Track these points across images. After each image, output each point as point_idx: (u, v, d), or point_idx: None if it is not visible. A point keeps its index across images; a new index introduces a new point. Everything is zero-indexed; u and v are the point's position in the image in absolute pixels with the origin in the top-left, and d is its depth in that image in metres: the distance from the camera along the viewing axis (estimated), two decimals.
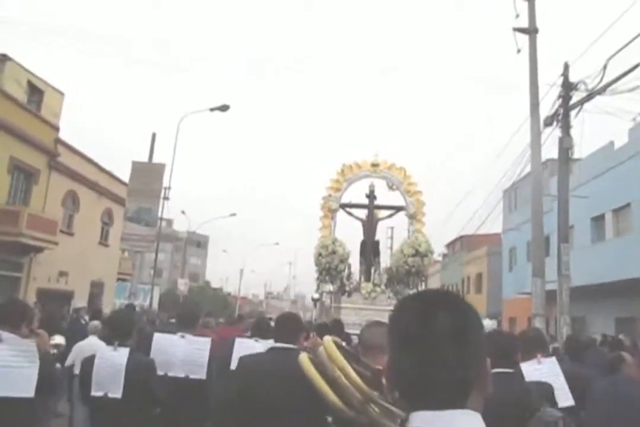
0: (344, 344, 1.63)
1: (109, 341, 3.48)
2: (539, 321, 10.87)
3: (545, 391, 3.18)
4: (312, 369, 1.61)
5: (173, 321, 6.79)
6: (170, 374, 4.04)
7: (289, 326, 3.20)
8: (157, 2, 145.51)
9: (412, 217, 12.08)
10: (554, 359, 3.54)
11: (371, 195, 12.38)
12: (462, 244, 38.71)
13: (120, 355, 3.32)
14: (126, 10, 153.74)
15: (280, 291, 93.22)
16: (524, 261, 22.98)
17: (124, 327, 3.55)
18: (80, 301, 20.72)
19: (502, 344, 3.06)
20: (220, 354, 4.39)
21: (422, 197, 12.17)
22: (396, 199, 12.54)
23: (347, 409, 1.36)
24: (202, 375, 4.16)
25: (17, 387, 2.78)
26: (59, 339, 3.97)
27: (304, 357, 1.75)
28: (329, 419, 4.15)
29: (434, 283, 44.30)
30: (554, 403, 3.09)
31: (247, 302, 73.49)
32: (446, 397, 0.95)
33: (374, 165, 12.30)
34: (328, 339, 1.62)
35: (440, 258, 43.67)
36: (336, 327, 5.69)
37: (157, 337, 4.21)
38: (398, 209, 12.48)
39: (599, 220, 18.49)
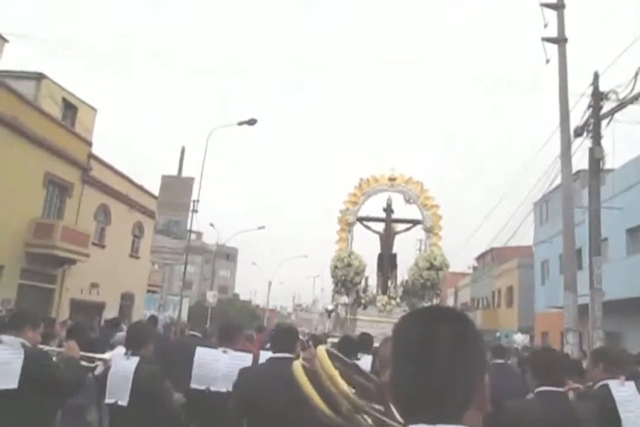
0: (340, 355, 1.66)
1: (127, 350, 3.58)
2: (572, 335, 10.59)
3: (591, 410, 3.08)
4: (303, 376, 1.65)
5: (193, 333, 6.96)
6: (212, 388, 4.09)
7: (284, 337, 3.33)
8: (184, 18, 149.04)
9: (428, 231, 12.16)
10: (632, 383, 3.43)
11: (388, 209, 12.52)
12: (493, 256, 38.06)
13: (130, 364, 3.47)
14: (154, 27, 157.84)
15: (309, 303, 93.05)
16: (557, 274, 22.45)
17: (137, 338, 3.71)
18: (111, 312, 21.06)
19: (549, 361, 3.01)
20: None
21: (439, 211, 12.22)
22: (413, 213, 12.62)
23: (334, 416, 1.39)
24: None
25: (2, 380, 3.10)
26: (107, 355, 4.15)
27: (297, 365, 1.80)
28: None
29: (463, 296, 43.60)
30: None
31: (275, 314, 73.52)
32: (442, 411, 0.96)
33: (391, 179, 12.44)
34: (321, 348, 1.65)
35: (470, 271, 42.98)
36: (365, 341, 5.66)
37: (200, 351, 4.26)
38: (415, 222, 12.54)
39: (634, 232, 17.97)
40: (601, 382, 3.40)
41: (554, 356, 3.22)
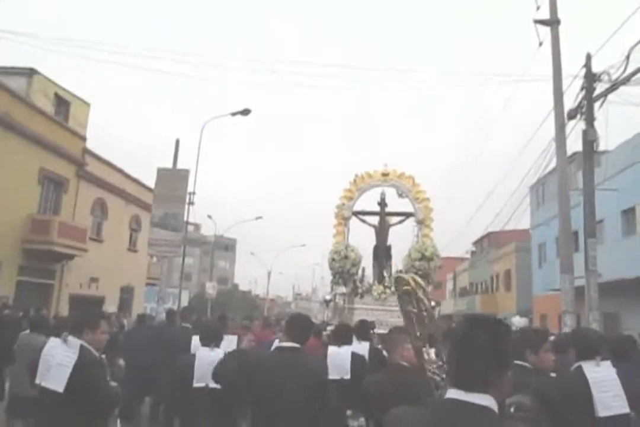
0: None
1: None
2: (570, 318, 10.66)
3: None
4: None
5: (185, 325, 7.46)
6: (211, 386, 4.45)
7: (298, 327, 3.51)
8: (177, 11, 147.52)
9: (420, 223, 12.68)
10: (609, 363, 3.40)
11: (382, 203, 12.94)
12: (490, 241, 38.18)
13: (217, 355, 4.01)
14: (147, 20, 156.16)
15: (309, 292, 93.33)
16: (554, 256, 22.55)
17: (216, 334, 4.37)
18: (111, 306, 21.12)
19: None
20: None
21: (430, 204, 12.83)
22: (406, 206, 13.07)
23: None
24: None
25: (56, 381, 3.20)
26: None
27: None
28: (348, 412, 4.33)
29: (462, 281, 43.81)
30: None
31: (275, 304, 73.83)
32: (469, 384, 1.47)
33: (384, 174, 12.86)
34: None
35: (468, 256, 43.11)
36: (363, 328, 5.81)
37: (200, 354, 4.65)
38: (407, 215, 13.06)
39: (629, 213, 18.04)
40: (575, 365, 3.36)
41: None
